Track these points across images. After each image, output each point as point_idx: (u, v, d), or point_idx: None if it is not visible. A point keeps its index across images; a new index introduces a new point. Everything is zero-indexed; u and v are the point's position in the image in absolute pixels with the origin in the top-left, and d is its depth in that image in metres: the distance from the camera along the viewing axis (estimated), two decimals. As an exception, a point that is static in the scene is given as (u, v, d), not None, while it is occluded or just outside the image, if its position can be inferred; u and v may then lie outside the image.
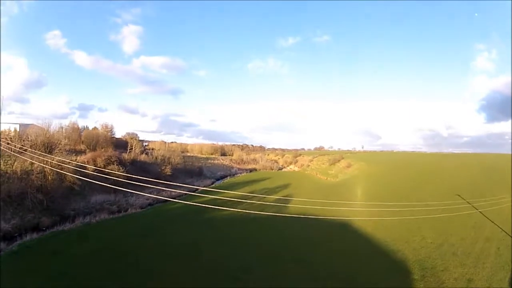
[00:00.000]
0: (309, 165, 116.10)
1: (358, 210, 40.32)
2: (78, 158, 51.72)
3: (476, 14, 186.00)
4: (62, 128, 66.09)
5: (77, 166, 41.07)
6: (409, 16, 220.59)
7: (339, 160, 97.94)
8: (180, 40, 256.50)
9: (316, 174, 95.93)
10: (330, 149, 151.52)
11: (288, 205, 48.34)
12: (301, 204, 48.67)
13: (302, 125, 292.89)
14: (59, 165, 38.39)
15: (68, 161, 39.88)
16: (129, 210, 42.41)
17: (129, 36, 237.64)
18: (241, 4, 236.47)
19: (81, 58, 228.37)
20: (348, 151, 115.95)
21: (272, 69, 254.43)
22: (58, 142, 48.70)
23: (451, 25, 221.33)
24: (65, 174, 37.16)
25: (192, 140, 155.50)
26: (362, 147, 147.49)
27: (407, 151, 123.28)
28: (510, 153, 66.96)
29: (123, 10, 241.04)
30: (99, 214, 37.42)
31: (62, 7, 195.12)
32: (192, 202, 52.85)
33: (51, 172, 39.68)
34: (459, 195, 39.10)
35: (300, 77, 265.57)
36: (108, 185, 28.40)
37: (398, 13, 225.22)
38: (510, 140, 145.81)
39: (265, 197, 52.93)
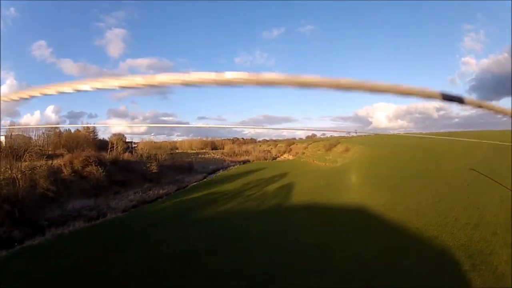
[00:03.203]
0: (304, 153, 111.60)
1: (374, 194, 35.69)
2: (54, 161, 45.87)
3: None
4: (44, 134, 60.72)
5: (50, 170, 35.40)
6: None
7: (335, 145, 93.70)
8: (165, 40, 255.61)
9: (313, 160, 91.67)
10: (322, 136, 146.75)
11: (291, 194, 44.27)
12: (306, 192, 44.83)
13: (292, 116, 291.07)
14: (30, 170, 32.84)
15: (39, 164, 34.22)
16: (108, 215, 36.69)
17: (114, 40, 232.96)
18: None
19: (68, 66, 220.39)
20: (342, 137, 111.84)
21: (259, 61, 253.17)
22: (31, 147, 42.82)
23: (437, 8, 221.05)
24: (38, 180, 31.66)
25: (182, 138, 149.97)
26: (356, 132, 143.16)
27: (401, 133, 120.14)
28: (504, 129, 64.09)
29: (106, 14, 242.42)
30: (75, 223, 32.17)
31: (44, 17, 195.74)
32: (182, 198, 48.97)
33: (21, 179, 34.42)
34: (474, 170, 35.04)
35: (286, 68, 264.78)
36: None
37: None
38: (504, 119, 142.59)
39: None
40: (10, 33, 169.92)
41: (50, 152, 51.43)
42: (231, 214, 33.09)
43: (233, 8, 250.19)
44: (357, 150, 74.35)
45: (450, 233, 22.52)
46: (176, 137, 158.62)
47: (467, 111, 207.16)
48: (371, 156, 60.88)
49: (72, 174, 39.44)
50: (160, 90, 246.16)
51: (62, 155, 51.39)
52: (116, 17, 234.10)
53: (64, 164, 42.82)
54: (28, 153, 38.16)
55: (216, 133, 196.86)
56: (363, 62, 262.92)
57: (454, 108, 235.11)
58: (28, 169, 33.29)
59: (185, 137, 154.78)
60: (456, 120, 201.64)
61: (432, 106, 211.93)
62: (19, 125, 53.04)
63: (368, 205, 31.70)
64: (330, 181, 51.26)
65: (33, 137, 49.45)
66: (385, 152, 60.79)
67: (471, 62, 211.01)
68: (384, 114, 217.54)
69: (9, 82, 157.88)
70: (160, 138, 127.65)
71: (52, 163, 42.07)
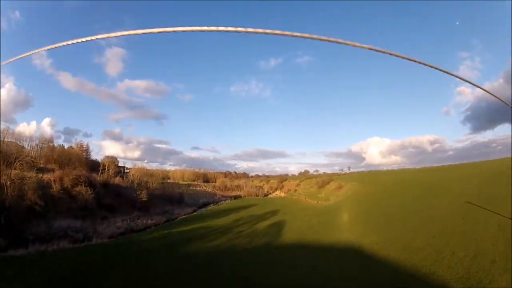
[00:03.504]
0: (296, 190, 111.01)
1: (368, 232, 35.25)
2: (45, 175, 44.82)
3: (457, 23, 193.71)
4: (37, 145, 59.84)
5: (40, 183, 34.52)
6: (388, 32, 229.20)
7: (328, 182, 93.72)
8: (163, 63, 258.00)
9: (305, 198, 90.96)
10: (315, 173, 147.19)
11: (282, 232, 43.48)
12: (298, 230, 44.07)
13: (286, 151, 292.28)
14: (20, 180, 31.97)
15: (29, 175, 33.41)
16: (94, 239, 35.26)
17: (113, 59, 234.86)
18: (222, 26, 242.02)
19: (66, 79, 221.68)
20: (335, 174, 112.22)
21: (254, 91, 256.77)
22: (23, 156, 42.01)
23: (432, 37, 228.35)
24: (26, 191, 30.76)
25: (175, 168, 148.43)
26: (349, 169, 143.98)
27: (395, 169, 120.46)
28: (499, 158, 65.08)
29: (106, 32, 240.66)
30: (59, 242, 31.12)
31: (47, 26, 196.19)
32: (171, 231, 47.48)
33: (10, 187, 33.52)
34: (470, 202, 35.13)
35: (282, 98, 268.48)
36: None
37: (378, 30, 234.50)
38: (498, 148, 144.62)
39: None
40: (13, 36, 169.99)
41: (41, 165, 50.38)
42: (221, 251, 32.18)
43: (233, 37, 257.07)
44: (350, 188, 74.39)
45: (448, 267, 22.06)
46: (169, 166, 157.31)
47: (462, 143, 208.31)
48: (364, 194, 60.86)
49: (61, 192, 38.34)
50: (156, 115, 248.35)
51: (53, 170, 50.34)
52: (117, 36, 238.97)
53: (54, 180, 41.80)
54: (19, 161, 37.35)
55: (209, 165, 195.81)
56: (358, 95, 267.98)
57: (448, 140, 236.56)
58: (17, 178, 32.32)
59: (178, 167, 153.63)
60: (450, 152, 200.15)
61: (426, 139, 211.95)
62: (13, 132, 52.33)
63: (362, 243, 31.23)
64: (323, 219, 50.77)
65: (26, 146, 48.55)
66: (379, 188, 60.98)
67: (466, 92, 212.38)
68: (378, 150, 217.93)
69: (8, 86, 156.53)
70: (153, 166, 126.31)
71: (42, 177, 41.05)
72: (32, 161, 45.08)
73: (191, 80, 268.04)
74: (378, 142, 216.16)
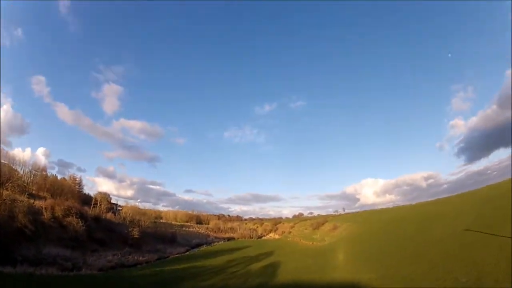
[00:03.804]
0: (290, 232, 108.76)
1: (366, 269, 34.59)
2: (36, 202, 44.20)
3: (449, 55, 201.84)
4: (31, 172, 59.47)
5: (30, 208, 34.13)
6: (379, 75, 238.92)
7: (323, 224, 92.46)
8: (159, 105, 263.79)
9: (300, 240, 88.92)
10: (310, 215, 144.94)
11: (277, 272, 42.28)
12: (293, 271, 42.81)
13: (279, 194, 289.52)
14: (11, 201, 31.64)
15: (20, 199, 33.15)
16: (83, 270, 34.13)
17: (110, 96, 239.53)
18: (218, 72, 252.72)
19: (62, 111, 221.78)
20: (330, 215, 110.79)
21: (249, 137, 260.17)
22: (15, 178, 41.66)
23: (426, 73, 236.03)
24: (17, 213, 30.42)
25: (167, 209, 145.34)
26: (344, 210, 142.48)
27: (390, 207, 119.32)
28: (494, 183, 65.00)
29: (105, 67, 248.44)
30: (48, 267, 30.36)
31: (48, 51, 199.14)
32: (163, 268, 45.72)
33: (1, 206, 33.48)
34: (468, 229, 35.06)
35: (276, 143, 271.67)
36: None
37: (369, 74, 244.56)
38: (494, 173, 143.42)
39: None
40: (15, 55, 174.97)
41: (33, 192, 49.55)
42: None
43: (228, 82, 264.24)
44: (345, 228, 73.43)
45: (453, 293, 21.77)
46: (162, 207, 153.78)
47: (456, 175, 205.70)
48: (360, 232, 60.16)
49: (52, 220, 37.55)
50: (149, 157, 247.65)
51: (45, 198, 49.53)
52: (115, 72, 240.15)
53: (45, 208, 41.21)
54: (11, 183, 37.00)
55: (202, 208, 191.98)
56: (353, 136, 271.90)
57: (443, 174, 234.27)
58: (9, 199, 31.93)
59: (170, 208, 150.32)
60: (445, 186, 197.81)
61: (420, 176, 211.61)
62: (7, 153, 51.56)
63: (360, 280, 30.54)
64: (319, 259, 49.56)
65: (19, 170, 48.02)
66: (374, 226, 60.37)
67: (459, 124, 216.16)
68: (372, 190, 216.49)
69: (6, 108, 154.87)
70: (146, 206, 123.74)
71: (33, 203, 40.39)
72: (24, 185, 44.82)
73: (185, 124, 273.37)
74: (372, 184, 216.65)
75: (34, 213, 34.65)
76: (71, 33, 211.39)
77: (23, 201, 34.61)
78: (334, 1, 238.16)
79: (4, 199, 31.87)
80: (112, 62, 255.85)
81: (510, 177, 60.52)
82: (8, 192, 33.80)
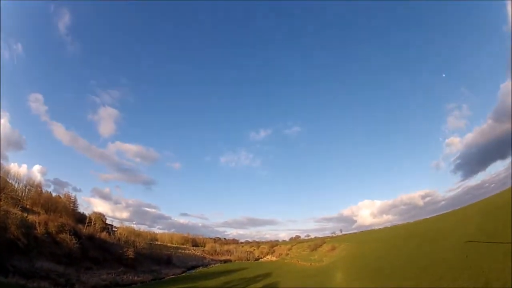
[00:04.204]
0: (288, 254, 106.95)
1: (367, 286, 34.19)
2: (30, 216, 43.66)
3: (443, 75, 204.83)
4: (25, 187, 59.18)
5: (23, 221, 33.86)
6: (374, 98, 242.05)
7: (321, 245, 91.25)
8: (154, 130, 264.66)
9: (298, 261, 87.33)
10: (307, 238, 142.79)
11: None
12: None
13: (275, 218, 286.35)
14: (4, 212, 31.43)
15: (13, 211, 32.90)
16: (76, 286, 33.40)
17: (106, 119, 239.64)
18: (213, 98, 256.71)
19: (59, 131, 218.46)
20: (327, 237, 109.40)
21: (244, 162, 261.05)
22: (9, 190, 41.37)
23: (421, 93, 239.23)
24: (10, 225, 30.17)
25: (163, 231, 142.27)
26: (341, 231, 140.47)
27: (388, 227, 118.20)
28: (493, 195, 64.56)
29: (102, 89, 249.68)
30: (41, 281, 29.76)
31: (46, 70, 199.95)
32: None
33: None
34: (471, 240, 34.87)
35: (272, 169, 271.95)
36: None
37: (363, 98, 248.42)
38: (492, 186, 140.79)
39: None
40: (13, 68, 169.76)
41: (27, 206, 48.90)
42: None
43: (224, 107, 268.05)
44: (344, 248, 72.52)
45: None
46: (157, 230, 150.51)
47: (453, 192, 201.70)
48: (359, 252, 59.51)
49: (45, 235, 37.00)
50: (145, 180, 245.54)
51: (38, 213, 48.86)
52: (111, 95, 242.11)
53: (39, 222, 40.58)
54: (4, 194, 36.70)
55: (198, 231, 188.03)
56: (349, 159, 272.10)
57: (440, 191, 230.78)
58: (2, 210, 31.62)
59: (166, 231, 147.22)
60: (443, 202, 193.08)
61: (418, 194, 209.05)
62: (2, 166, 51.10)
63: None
64: (318, 279, 48.80)
65: (14, 184, 47.54)
66: (373, 245, 59.73)
67: (455, 141, 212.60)
68: (369, 211, 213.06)
69: (3, 122, 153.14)
70: (141, 228, 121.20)
71: (27, 216, 39.85)
72: (18, 199, 44.44)
73: (181, 149, 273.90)
74: (369, 205, 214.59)
75: (27, 226, 34.23)
76: (70, 53, 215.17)
77: (16, 214, 34.25)
78: (327, 29, 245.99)
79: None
80: (109, 86, 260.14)
81: (509, 187, 60.57)
82: (1, 203, 33.54)
